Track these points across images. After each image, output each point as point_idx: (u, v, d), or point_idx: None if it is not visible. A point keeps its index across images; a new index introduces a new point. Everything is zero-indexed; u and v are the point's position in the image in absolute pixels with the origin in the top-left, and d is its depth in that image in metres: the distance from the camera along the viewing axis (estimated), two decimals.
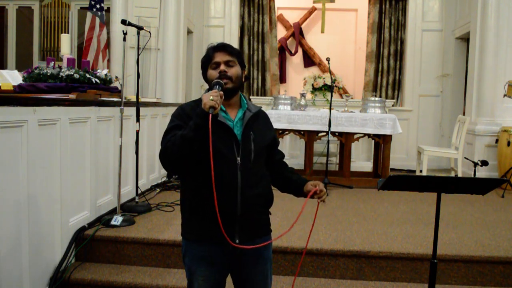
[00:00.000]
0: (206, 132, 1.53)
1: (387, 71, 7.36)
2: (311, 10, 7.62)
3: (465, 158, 5.55)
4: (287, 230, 1.85)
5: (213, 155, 1.57)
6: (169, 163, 1.68)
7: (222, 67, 1.72)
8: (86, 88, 3.59)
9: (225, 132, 1.69)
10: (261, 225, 1.80)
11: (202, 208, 1.68)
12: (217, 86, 1.64)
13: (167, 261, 3.02)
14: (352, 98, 6.40)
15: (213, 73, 1.74)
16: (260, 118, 1.84)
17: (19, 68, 5.79)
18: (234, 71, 1.74)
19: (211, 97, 1.54)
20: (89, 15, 5.64)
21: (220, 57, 1.73)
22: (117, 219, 3.26)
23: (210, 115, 1.53)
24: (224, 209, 1.63)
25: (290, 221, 3.44)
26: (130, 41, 4.95)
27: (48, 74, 3.56)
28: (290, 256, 2.93)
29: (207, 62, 1.77)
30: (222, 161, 1.66)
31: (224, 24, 7.42)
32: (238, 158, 1.69)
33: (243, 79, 1.82)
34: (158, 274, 2.90)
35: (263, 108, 1.93)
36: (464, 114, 6.29)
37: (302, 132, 5.39)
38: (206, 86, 1.79)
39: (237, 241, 1.69)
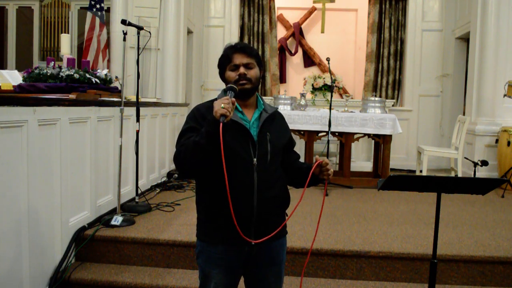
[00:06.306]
0: (218, 139, 1.50)
1: (387, 71, 7.36)
2: (311, 10, 7.62)
3: (465, 158, 5.55)
4: (294, 208, 1.76)
5: (229, 156, 1.56)
6: (182, 167, 1.66)
7: (242, 70, 1.71)
8: (86, 88, 3.58)
9: (242, 132, 1.68)
10: (277, 227, 1.77)
11: (218, 209, 1.67)
12: (230, 92, 1.62)
13: (167, 261, 3.02)
14: (352, 98, 6.40)
15: (232, 75, 1.73)
16: (277, 118, 1.82)
17: (19, 68, 5.79)
18: (253, 73, 1.74)
19: (222, 105, 1.51)
20: (89, 15, 5.65)
21: (239, 59, 1.72)
22: (117, 219, 3.26)
23: (221, 123, 1.49)
24: (240, 211, 1.61)
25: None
26: (130, 41, 4.95)
27: (48, 74, 3.55)
28: (290, 256, 2.92)
29: (225, 62, 1.75)
30: (238, 162, 1.64)
31: (224, 24, 7.41)
32: (255, 159, 1.68)
33: (260, 79, 1.81)
34: (158, 274, 2.90)
35: None
36: (464, 114, 6.29)
37: (302, 132, 5.38)
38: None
39: (253, 243, 1.68)
